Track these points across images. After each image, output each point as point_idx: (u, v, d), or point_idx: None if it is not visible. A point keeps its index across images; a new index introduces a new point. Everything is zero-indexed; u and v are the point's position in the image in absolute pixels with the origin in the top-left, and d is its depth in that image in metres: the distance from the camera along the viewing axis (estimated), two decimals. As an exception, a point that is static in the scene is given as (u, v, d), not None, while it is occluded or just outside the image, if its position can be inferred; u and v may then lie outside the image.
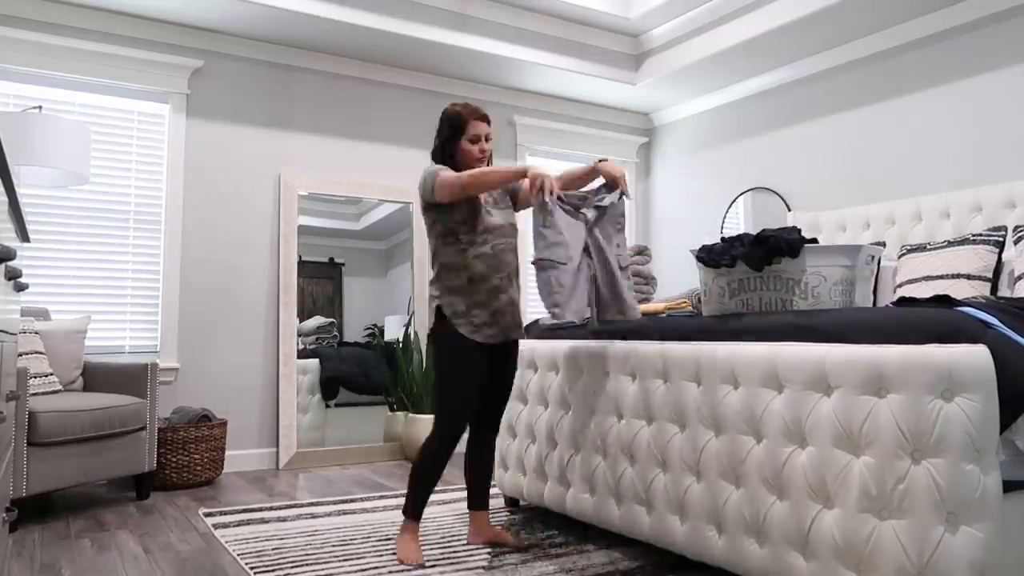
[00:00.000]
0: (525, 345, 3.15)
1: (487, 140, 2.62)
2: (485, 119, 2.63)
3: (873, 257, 2.54)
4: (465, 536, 2.84)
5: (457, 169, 2.61)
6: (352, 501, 3.43)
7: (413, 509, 2.58)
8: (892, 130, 4.20)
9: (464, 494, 3.58)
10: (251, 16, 4.05)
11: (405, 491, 2.58)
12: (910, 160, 4.11)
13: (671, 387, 2.42)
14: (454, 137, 2.61)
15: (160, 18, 4.09)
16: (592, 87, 5.17)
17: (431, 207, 2.57)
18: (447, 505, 3.35)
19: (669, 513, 2.41)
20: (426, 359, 4.61)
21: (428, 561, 2.54)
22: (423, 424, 4.46)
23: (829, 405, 1.94)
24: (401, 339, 4.72)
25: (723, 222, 5.18)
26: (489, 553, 2.63)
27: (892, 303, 2.14)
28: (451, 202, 2.52)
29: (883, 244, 3.88)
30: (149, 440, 3.49)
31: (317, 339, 4.53)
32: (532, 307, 5.31)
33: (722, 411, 2.23)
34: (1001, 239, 3.20)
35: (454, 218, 2.56)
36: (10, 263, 2.20)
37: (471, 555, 2.61)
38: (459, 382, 2.53)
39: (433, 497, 3.50)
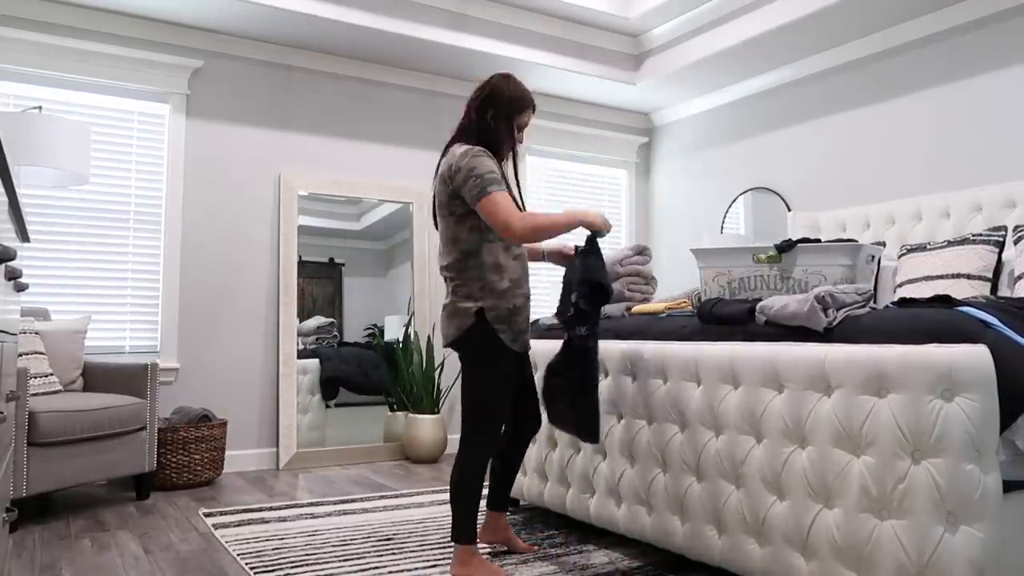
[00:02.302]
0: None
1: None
2: (535, 110, 2.53)
3: (873, 257, 2.55)
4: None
5: (490, 148, 2.42)
6: (352, 501, 3.44)
7: (469, 533, 2.36)
8: (892, 130, 4.20)
9: (428, 498, 3.57)
10: (251, 16, 4.05)
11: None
12: (910, 160, 4.11)
13: (671, 387, 2.42)
14: (508, 116, 2.43)
15: (160, 18, 4.09)
16: (592, 87, 5.17)
17: (459, 197, 2.37)
18: (447, 505, 3.35)
19: (669, 513, 2.41)
20: (426, 360, 4.61)
21: (428, 561, 2.54)
22: (423, 424, 4.46)
23: (829, 405, 1.94)
24: (401, 339, 4.72)
25: (723, 222, 5.18)
26: (489, 553, 2.63)
27: (892, 303, 2.15)
28: (507, 230, 2.26)
29: (883, 244, 3.88)
30: (149, 440, 3.49)
31: (317, 339, 4.53)
32: (535, 308, 5.32)
33: (722, 411, 2.23)
34: (1001, 239, 3.20)
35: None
36: (10, 263, 2.20)
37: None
38: (501, 391, 2.37)
39: (432, 497, 3.50)
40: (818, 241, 2.49)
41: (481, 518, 2.83)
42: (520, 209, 2.40)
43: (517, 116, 2.46)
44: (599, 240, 2.45)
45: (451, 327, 2.40)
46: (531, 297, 2.56)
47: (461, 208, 2.36)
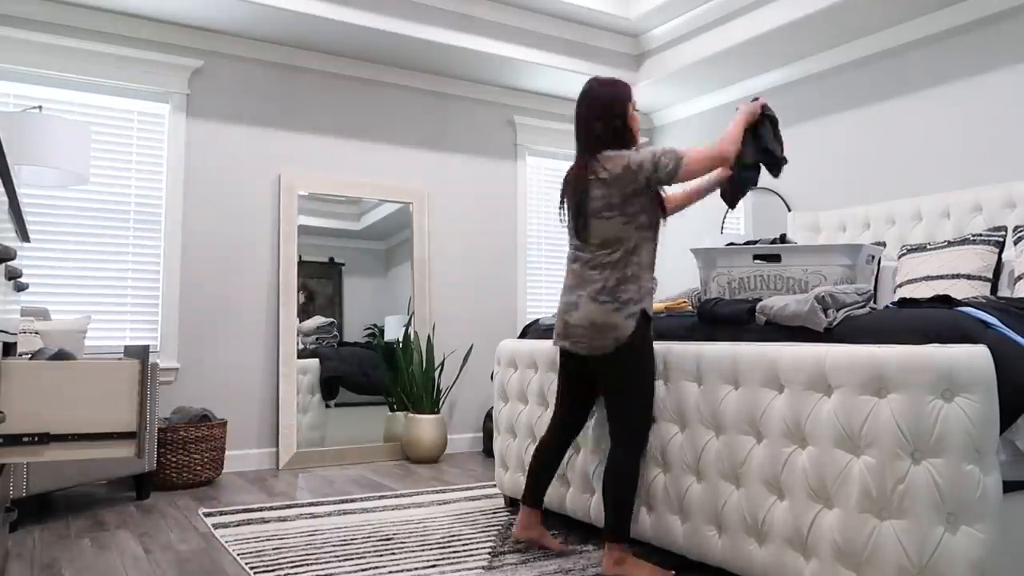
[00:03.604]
0: (525, 345, 3.15)
1: None
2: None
3: (873, 257, 2.55)
4: (465, 536, 2.84)
5: (628, 144, 2.51)
6: (352, 501, 3.44)
7: (627, 534, 2.38)
8: (892, 130, 4.20)
9: (464, 494, 3.57)
10: (251, 16, 4.05)
11: (612, 509, 2.39)
12: (910, 160, 4.11)
13: (671, 387, 2.42)
14: (625, 107, 2.52)
15: (160, 18, 4.09)
16: (592, 87, 5.16)
17: (639, 194, 2.40)
18: (447, 506, 3.35)
19: (669, 513, 2.41)
20: (426, 360, 4.61)
21: (428, 561, 2.54)
22: (423, 424, 4.46)
23: (829, 405, 1.94)
24: (401, 339, 4.72)
25: (723, 222, 5.18)
26: (489, 553, 2.63)
27: (892, 303, 2.15)
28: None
29: (883, 244, 3.88)
30: (149, 440, 3.49)
31: (317, 339, 4.53)
32: (531, 308, 5.32)
33: (722, 411, 2.23)
34: (1001, 239, 3.20)
35: (656, 210, 2.47)
36: (10, 263, 2.20)
37: (471, 555, 2.61)
38: (652, 392, 2.44)
39: (432, 497, 3.50)
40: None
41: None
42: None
43: (630, 103, 2.56)
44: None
45: (612, 334, 2.37)
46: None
47: (634, 208, 2.41)
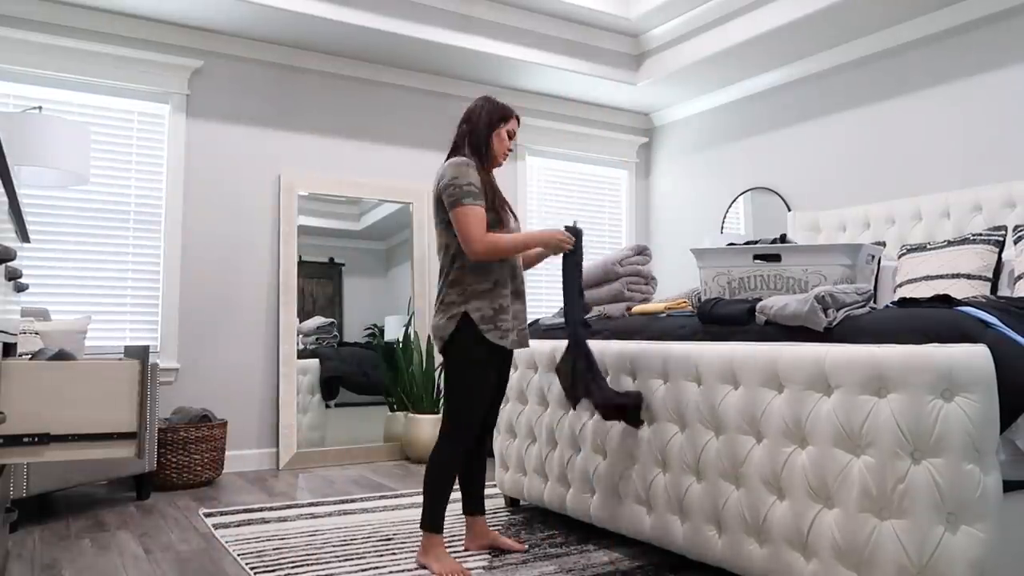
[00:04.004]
0: (525, 345, 3.15)
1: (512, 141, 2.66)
2: (519, 121, 2.67)
3: (873, 256, 2.55)
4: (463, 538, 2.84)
5: (483, 159, 2.57)
6: (352, 501, 3.44)
7: (433, 522, 2.48)
8: (892, 130, 4.20)
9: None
10: (251, 16, 4.05)
11: (421, 501, 2.53)
12: (910, 160, 4.11)
13: (671, 387, 2.42)
14: (494, 126, 2.57)
15: (160, 18, 4.09)
16: (592, 87, 5.17)
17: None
18: (447, 505, 3.35)
19: (669, 513, 2.41)
20: (426, 360, 4.61)
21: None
22: (423, 424, 4.46)
23: (829, 405, 1.94)
24: (401, 339, 4.72)
25: (723, 222, 5.18)
26: (489, 554, 2.63)
27: (892, 303, 2.15)
28: (477, 250, 2.42)
29: (883, 244, 3.88)
30: (149, 440, 3.49)
31: (317, 339, 4.53)
32: (531, 308, 5.31)
33: (722, 411, 2.23)
34: (1001, 239, 3.20)
35: (489, 215, 2.52)
36: (10, 263, 2.20)
37: (471, 555, 2.61)
38: (477, 392, 2.47)
39: (433, 497, 3.50)
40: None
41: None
42: (509, 216, 2.57)
43: (504, 123, 2.59)
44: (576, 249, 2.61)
45: (439, 333, 2.51)
46: (523, 294, 2.61)
47: (447, 216, 2.50)
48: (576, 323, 2.55)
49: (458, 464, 2.50)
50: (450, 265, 2.52)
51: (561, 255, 2.61)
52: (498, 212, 2.53)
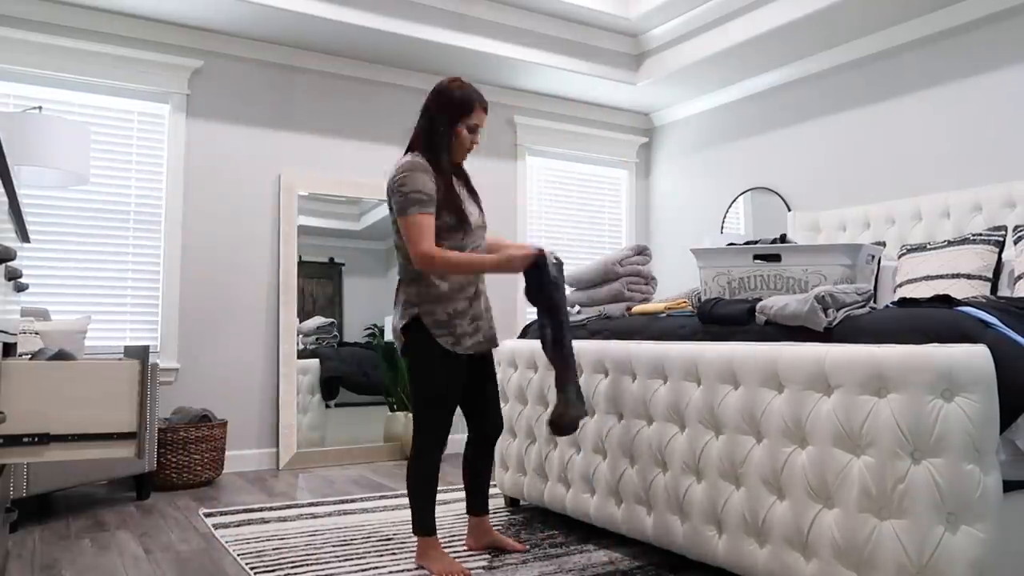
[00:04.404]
0: (525, 345, 3.15)
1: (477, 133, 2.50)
2: (486, 109, 2.51)
3: (873, 256, 2.55)
4: (465, 536, 2.84)
5: (440, 157, 2.43)
6: (352, 501, 3.44)
7: (424, 526, 2.46)
8: (892, 130, 4.20)
9: (464, 494, 3.57)
10: (251, 16, 4.05)
11: (409, 503, 2.49)
12: (910, 160, 4.11)
13: (671, 387, 2.42)
14: (455, 121, 2.44)
15: (160, 18, 4.09)
16: (592, 87, 5.17)
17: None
18: (447, 505, 3.35)
19: (669, 513, 2.41)
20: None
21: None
22: (423, 424, 4.46)
23: (829, 405, 1.94)
24: (401, 339, 4.72)
25: (723, 222, 5.18)
26: (489, 553, 2.63)
27: (892, 303, 2.15)
28: (423, 258, 2.31)
29: (883, 244, 3.88)
30: (149, 440, 3.49)
31: (317, 339, 4.53)
32: (531, 307, 5.31)
33: (722, 411, 2.23)
34: (1001, 239, 3.20)
35: (437, 221, 2.39)
36: (10, 263, 2.20)
37: (471, 555, 2.61)
38: (437, 396, 2.41)
39: (433, 497, 3.50)
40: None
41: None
42: (471, 213, 2.45)
43: (466, 118, 2.45)
44: (551, 266, 2.45)
45: (395, 333, 2.48)
46: (482, 298, 2.52)
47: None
48: (567, 349, 2.45)
49: (436, 468, 2.45)
50: (405, 265, 2.45)
51: (539, 285, 2.44)
52: (458, 214, 2.42)
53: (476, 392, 2.61)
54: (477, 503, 2.69)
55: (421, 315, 2.40)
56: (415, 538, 2.82)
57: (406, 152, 2.50)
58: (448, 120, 2.45)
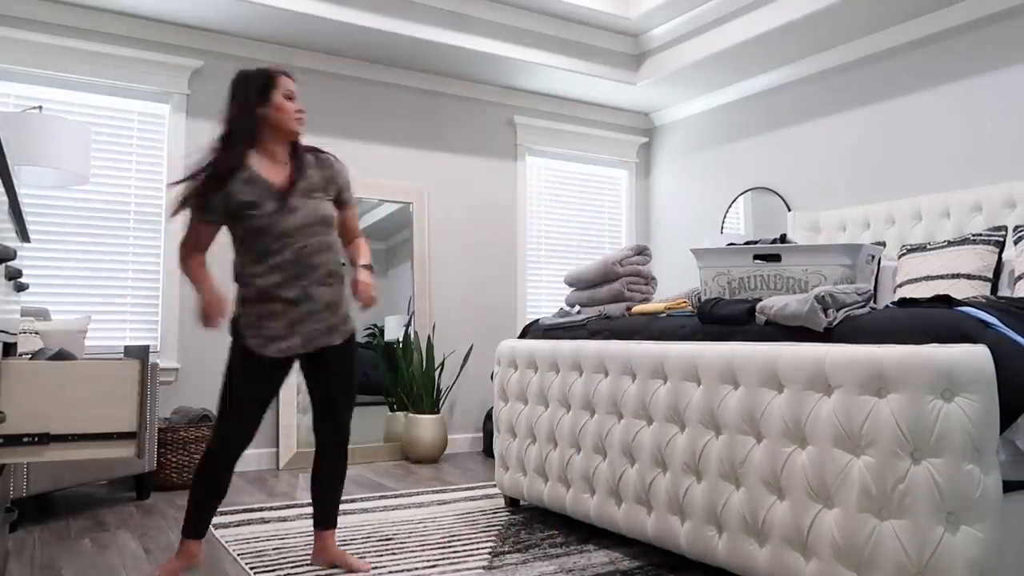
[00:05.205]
0: (526, 345, 3.15)
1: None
2: (291, 76, 2.38)
3: (873, 256, 2.55)
4: (465, 536, 2.84)
5: (267, 134, 2.32)
6: (352, 501, 3.43)
7: (185, 529, 2.32)
8: (892, 130, 4.21)
9: (464, 494, 3.57)
10: (251, 16, 4.05)
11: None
12: (910, 160, 4.11)
13: (671, 387, 2.42)
14: (263, 98, 2.30)
15: (160, 18, 4.09)
16: (592, 87, 5.17)
17: None
18: (447, 505, 3.35)
19: (669, 513, 2.41)
20: (426, 360, 4.61)
21: (428, 561, 2.54)
22: (423, 424, 4.47)
23: (829, 405, 1.94)
24: (401, 339, 4.72)
25: (723, 222, 5.18)
26: (489, 553, 2.63)
27: (892, 303, 2.15)
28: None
29: (883, 244, 3.88)
30: (149, 440, 3.49)
31: (317, 339, 4.52)
32: (531, 308, 5.32)
33: (722, 411, 2.23)
34: (1001, 239, 3.20)
35: (238, 230, 2.37)
36: (10, 263, 2.20)
37: (471, 555, 2.61)
38: (243, 394, 2.31)
39: (432, 497, 3.50)
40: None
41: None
42: (289, 192, 2.33)
43: (276, 86, 2.33)
44: None
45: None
46: (333, 291, 2.41)
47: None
48: None
49: (212, 469, 2.29)
50: (233, 270, 2.48)
51: None
52: (253, 223, 2.33)
53: (316, 398, 2.48)
54: (320, 517, 2.49)
55: (236, 317, 2.45)
56: (414, 538, 2.82)
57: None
58: (257, 101, 2.34)
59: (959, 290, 3.12)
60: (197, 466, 2.33)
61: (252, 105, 2.32)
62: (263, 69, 2.37)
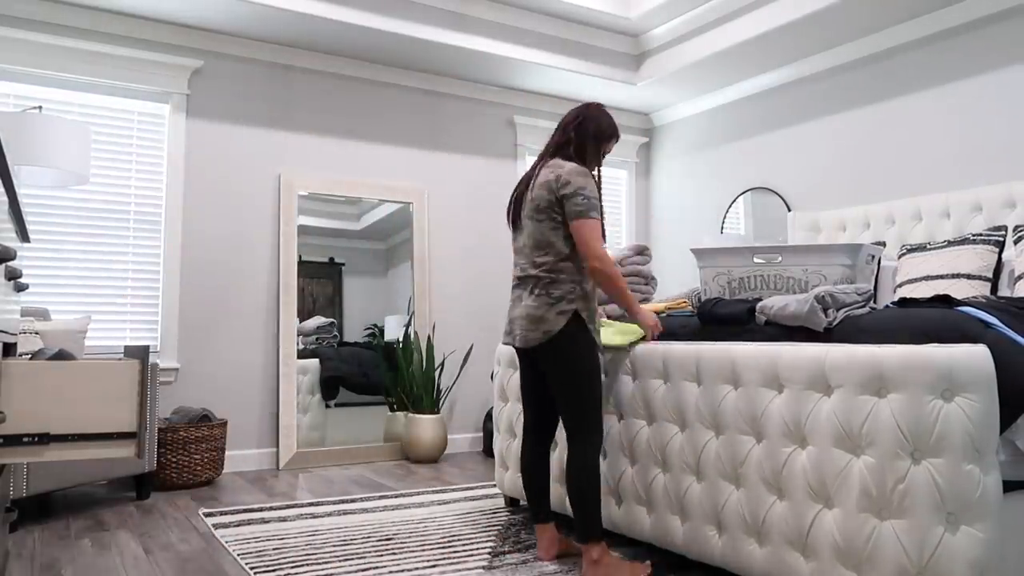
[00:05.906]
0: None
1: None
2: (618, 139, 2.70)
3: (873, 256, 2.55)
4: (465, 536, 2.84)
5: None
6: (352, 501, 3.44)
7: (599, 531, 2.38)
8: (892, 130, 4.20)
9: (464, 494, 3.57)
10: (251, 16, 4.05)
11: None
12: (910, 160, 4.11)
13: (671, 387, 2.42)
14: (597, 143, 2.57)
15: (160, 18, 4.09)
16: (592, 87, 5.17)
17: (561, 207, 2.46)
18: (447, 505, 3.35)
19: (669, 513, 2.41)
20: (426, 360, 4.61)
21: (428, 561, 2.54)
22: (423, 424, 4.46)
23: (829, 405, 1.94)
24: (401, 339, 4.72)
25: (723, 222, 5.18)
26: (489, 553, 2.63)
27: (892, 303, 2.15)
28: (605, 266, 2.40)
29: (883, 244, 3.88)
30: (149, 440, 3.49)
31: (317, 339, 4.53)
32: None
33: (722, 411, 2.23)
34: (1001, 239, 3.20)
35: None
36: (10, 263, 2.20)
37: (471, 555, 2.61)
38: (599, 385, 2.46)
39: (432, 497, 3.50)
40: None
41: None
42: (603, 233, 2.53)
43: (606, 143, 2.60)
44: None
45: (542, 327, 2.42)
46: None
47: (561, 216, 2.45)
48: None
49: (599, 467, 2.44)
50: (558, 264, 2.45)
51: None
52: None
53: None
54: (549, 509, 2.65)
55: (579, 310, 2.44)
56: (414, 538, 2.82)
57: (553, 156, 2.56)
58: (592, 140, 2.58)
59: (959, 290, 3.12)
60: (591, 472, 2.36)
61: (587, 141, 2.59)
62: (615, 129, 2.63)
